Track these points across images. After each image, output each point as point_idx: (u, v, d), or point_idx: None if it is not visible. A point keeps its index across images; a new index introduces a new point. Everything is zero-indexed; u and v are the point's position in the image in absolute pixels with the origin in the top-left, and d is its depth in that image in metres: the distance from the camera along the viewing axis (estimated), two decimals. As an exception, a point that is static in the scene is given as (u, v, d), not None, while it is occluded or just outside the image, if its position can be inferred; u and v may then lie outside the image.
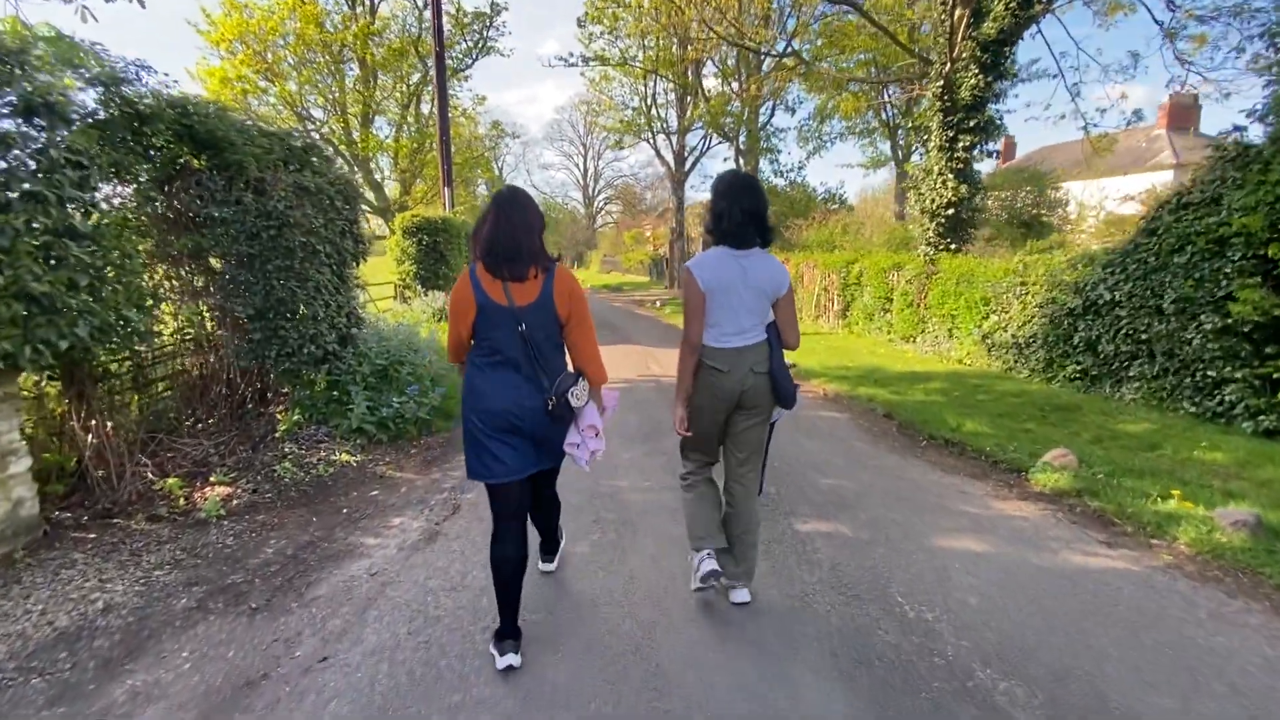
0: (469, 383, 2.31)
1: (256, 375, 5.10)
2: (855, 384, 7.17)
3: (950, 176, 9.48)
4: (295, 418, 4.88)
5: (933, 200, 9.77)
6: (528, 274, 2.22)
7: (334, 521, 3.76)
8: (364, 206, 22.69)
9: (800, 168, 22.33)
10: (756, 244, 2.52)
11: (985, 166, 9.96)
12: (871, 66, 24.15)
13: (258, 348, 4.62)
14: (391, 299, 11.48)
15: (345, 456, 4.65)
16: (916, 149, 28.66)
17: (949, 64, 9.13)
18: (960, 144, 9.35)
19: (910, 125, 10.63)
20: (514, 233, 2.20)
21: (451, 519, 3.77)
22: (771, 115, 21.52)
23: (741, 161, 20.28)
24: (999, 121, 9.38)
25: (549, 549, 3.05)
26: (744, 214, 2.46)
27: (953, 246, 9.81)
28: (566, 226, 58.19)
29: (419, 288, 10.89)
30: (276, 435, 4.79)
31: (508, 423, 2.25)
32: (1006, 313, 7.56)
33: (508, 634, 2.36)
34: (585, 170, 61.32)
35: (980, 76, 9.07)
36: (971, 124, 9.26)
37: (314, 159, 5.28)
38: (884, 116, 28.49)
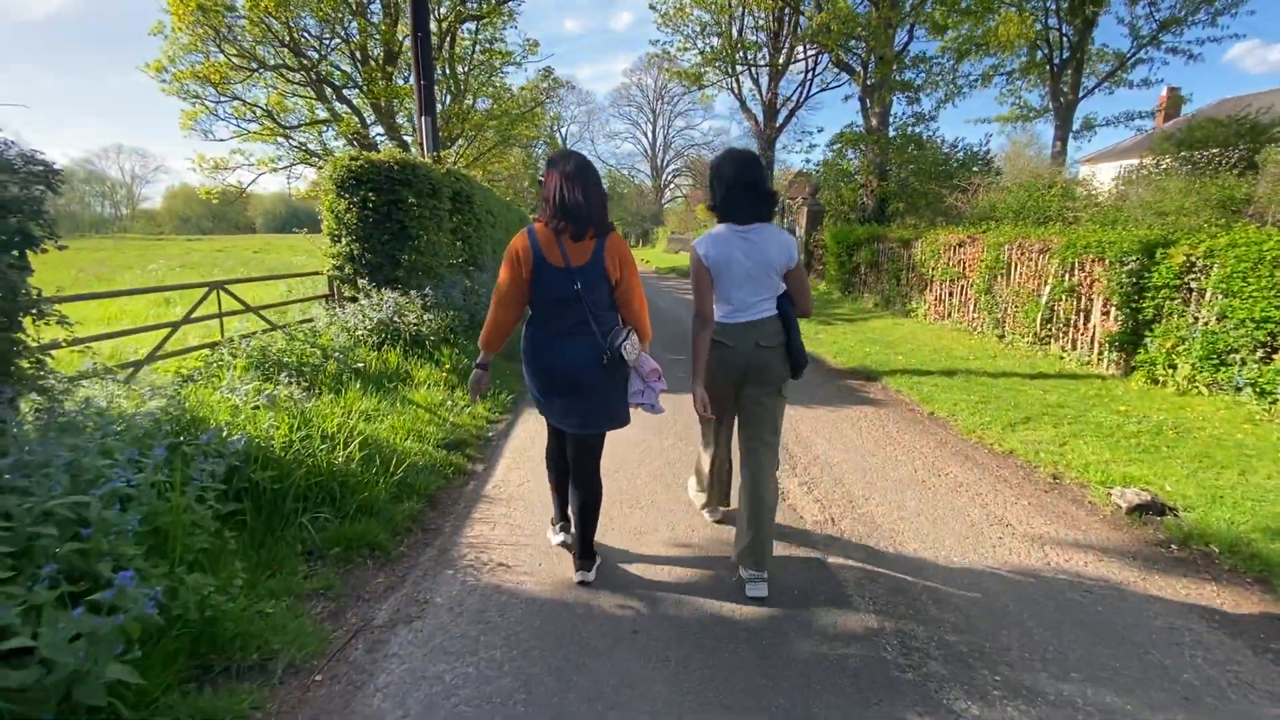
0: (528, 346, 2.51)
1: None
2: None
3: None
4: None
5: None
6: (588, 235, 2.41)
7: None
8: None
9: (931, 118, 16.36)
10: (758, 219, 2.52)
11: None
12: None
13: None
14: (324, 299, 6.93)
15: None
16: (1085, 90, 21.84)
17: None
18: None
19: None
20: (598, 203, 2.42)
21: None
22: (910, 39, 15.65)
23: (867, 103, 14.75)
24: None
25: (586, 553, 2.72)
26: (741, 189, 2.48)
27: None
28: (632, 200, 53.01)
29: (365, 284, 6.31)
30: None
31: (565, 382, 2.46)
32: None
33: (558, 519, 2.91)
34: (654, 139, 55.93)
35: None
36: None
37: None
38: (1039, 54, 21.95)
